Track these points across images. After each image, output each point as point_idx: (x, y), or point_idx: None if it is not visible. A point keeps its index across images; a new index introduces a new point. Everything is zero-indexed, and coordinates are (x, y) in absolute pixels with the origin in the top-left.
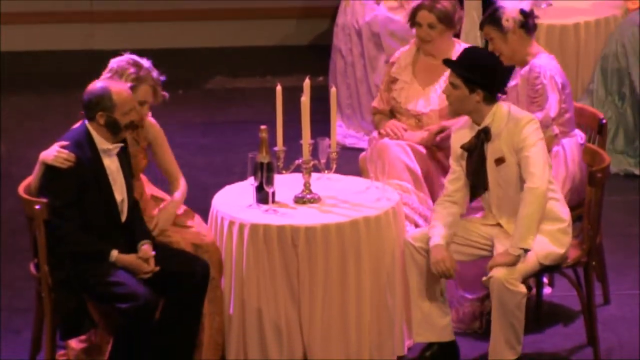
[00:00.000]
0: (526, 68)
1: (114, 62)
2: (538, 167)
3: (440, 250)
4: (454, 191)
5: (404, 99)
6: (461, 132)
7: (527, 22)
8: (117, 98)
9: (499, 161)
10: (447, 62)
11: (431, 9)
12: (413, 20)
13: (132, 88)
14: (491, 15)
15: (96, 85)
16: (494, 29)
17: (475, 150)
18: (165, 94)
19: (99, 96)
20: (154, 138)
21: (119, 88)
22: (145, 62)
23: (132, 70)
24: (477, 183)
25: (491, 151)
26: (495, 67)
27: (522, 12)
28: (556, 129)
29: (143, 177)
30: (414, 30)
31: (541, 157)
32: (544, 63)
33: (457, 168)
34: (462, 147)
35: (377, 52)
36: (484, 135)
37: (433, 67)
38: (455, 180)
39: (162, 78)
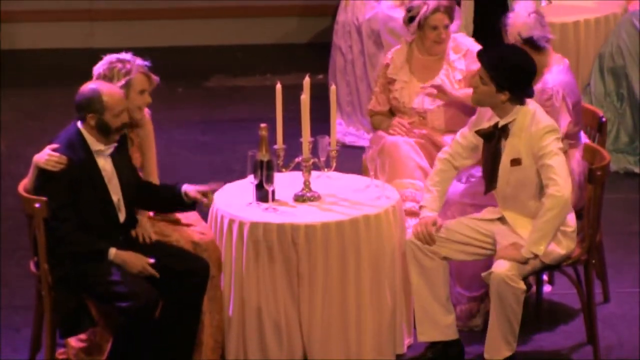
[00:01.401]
0: (539, 85)
1: (97, 69)
2: (561, 175)
3: (430, 217)
4: (459, 155)
5: (407, 97)
6: (481, 119)
7: (532, 43)
8: (108, 100)
9: (515, 162)
10: (481, 56)
11: (445, 10)
12: (424, 24)
13: (128, 82)
14: (502, 28)
15: (88, 86)
16: (505, 36)
17: (491, 143)
18: (156, 77)
19: (89, 98)
20: (146, 135)
21: (111, 90)
22: (126, 55)
23: (119, 66)
24: (488, 178)
25: (508, 149)
26: (529, 72)
27: (519, 34)
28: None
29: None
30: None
31: (564, 166)
32: (556, 80)
33: (472, 138)
34: (477, 132)
35: (377, 50)
36: (500, 132)
37: (429, 63)
38: (463, 146)
39: (147, 63)
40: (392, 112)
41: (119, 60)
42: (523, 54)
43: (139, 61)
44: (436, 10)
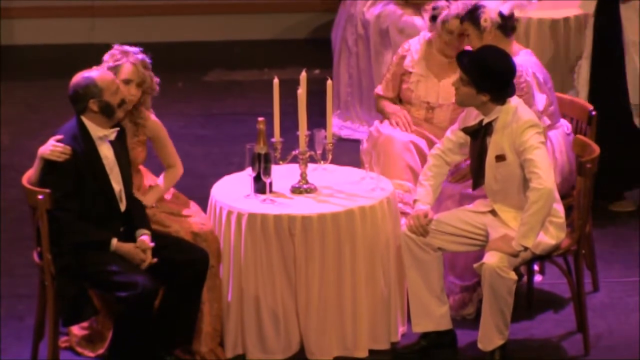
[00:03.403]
0: None
1: (106, 56)
2: (543, 168)
3: (422, 210)
4: (450, 150)
5: (423, 91)
6: (469, 117)
7: (505, 24)
8: (102, 82)
9: (500, 158)
10: (460, 59)
11: (462, 19)
12: (442, 26)
13: (117, 67)
14: (471, 13)
15: (78, 78)
16: (472, 27)
17: (477, 140)
18: (157, 78)
19: (85, 86)
20: (156, 137)
21: (100, 73)
22: (132, 48)
23: (116, 52)
24: (475, 174)
25: (493, 145)
26: (507, 74)
27: (500, 14)
28: (547, 120)
29: (142, 168)
30: (422, 25)
31: (545, 159)
32: (523, 61)
33: (461, 135)
34: (464, 130)
35: (384, 48)
36: (484, 130)
37: (446, 63)
38: (453, 142)
39: (146, 58)
40: (399, 100)
41: (121, 50)
42: (501, 57)
43: (139, 55)
44: (456, 16)
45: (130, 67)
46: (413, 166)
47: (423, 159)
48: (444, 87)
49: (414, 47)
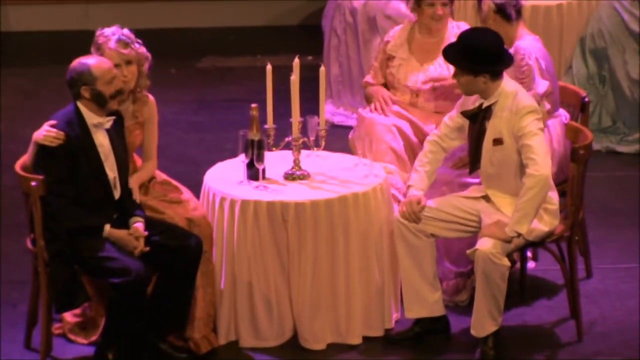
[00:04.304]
0: (511, 51)
1: (92, 47)
2: (540, 155)
3: (415, 196)
4: (447, 136)
5: (403, 75)
6: (467, 101)
7: (503, 10)
8: (96, 70)
9: (497, 142)
10: (446, 55)
11: None
12: (422, 1)
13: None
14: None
15: (75, 63)
16: (479, 12)
17: (476, 124)
18: (143, 49)
19: (79, 72)
20: (149, 120)
21: (97, 60)
22: (109, 31)
23: (98, 40)
24: (472, 158)
25: (491, 129)
26: (497, 47)
27: (493, 3)
28: (547, 105)
29: (135, 155)
30: (408, 11)
31: (543, 145)
32: (528, 45)
33: (458, 119)
34: (463, 113)
35: (372, 36)
36: (483, 114)
37: (429, 45)
38: (450, 127)
39: (126, 35)
40: (385, 87)
41: (100, 36)
42: (480, 34)
43: (113, 36)
44: None
45: (110, 53)
46: (395, 148)
47: (406, 142)
48: (425, 71)
49: (397, 33)
